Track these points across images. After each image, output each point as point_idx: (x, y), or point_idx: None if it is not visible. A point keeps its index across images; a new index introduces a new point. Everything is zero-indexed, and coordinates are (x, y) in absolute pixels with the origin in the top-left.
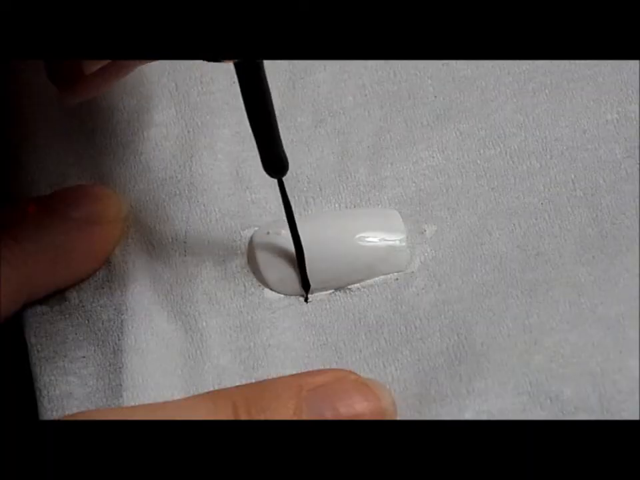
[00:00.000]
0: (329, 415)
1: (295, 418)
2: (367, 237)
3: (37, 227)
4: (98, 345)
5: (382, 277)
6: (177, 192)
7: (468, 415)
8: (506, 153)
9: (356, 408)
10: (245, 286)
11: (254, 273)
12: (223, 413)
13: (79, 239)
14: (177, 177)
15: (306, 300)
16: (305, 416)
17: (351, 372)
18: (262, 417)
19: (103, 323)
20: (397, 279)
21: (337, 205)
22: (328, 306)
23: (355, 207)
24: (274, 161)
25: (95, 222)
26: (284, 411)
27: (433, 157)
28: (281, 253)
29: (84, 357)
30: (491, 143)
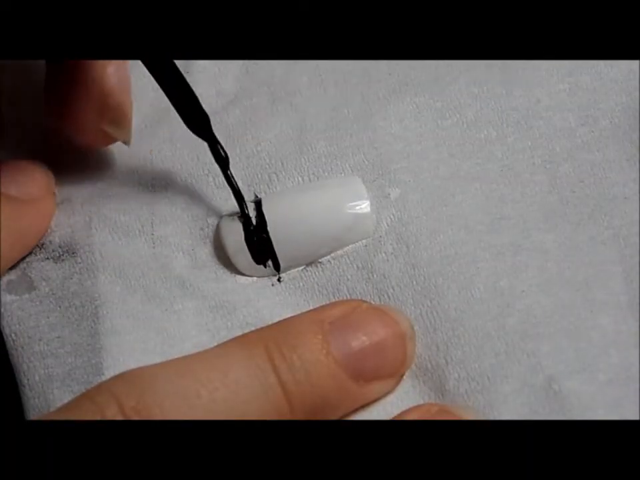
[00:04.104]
0: (356, 345)
1: (324, 352)
2: (332, 209)
3: None
4: (73, 328)
5: (351, 245)
6: (140, 185)
7: (449, 386)
8: (463, 123)
9: (379, 334)
10: (216, 274)
11: (223, 259)
12: (258, 357)
13: (22, 216)
14: (137, 170)
15: (279, 280)
16: (333, 349)
17: (361, 300)
18: (294, 356)
19: (76, 309)
20: (366, 246)
21: (299, 178)
22: (301, 283)
23: (317, 178)
24: (197, 116)
25: (31, 198)
26: (313, 346)
27: (391, 126)
28: None
29: (59, 337)
30: (447, 113)
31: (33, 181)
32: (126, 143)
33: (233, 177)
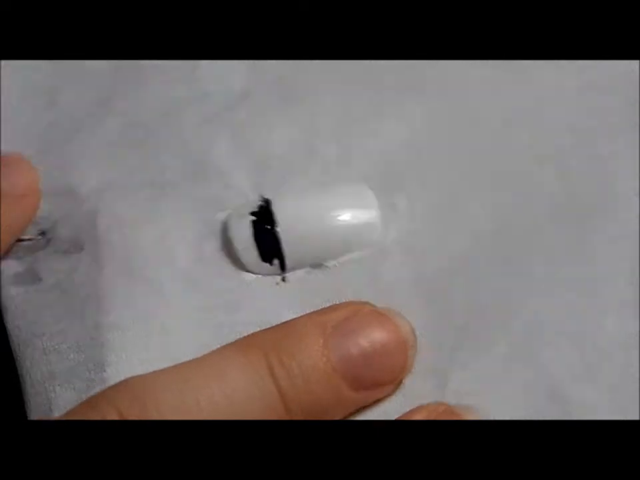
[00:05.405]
0: (355, 351)
1: (324, 360)
2: (341, 214)
3: None
4: (76, 318)
5: (357, 251)
6: (147, 181)
7: (452, 385)
8: (472, 125)
9: (380, 340)
10: (221, 270)
11: (229, 256)
12: (256, 364)
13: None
14: (145, 164)
15: (283, 279)
16: (333, 354)
17: (366, 302)
18: (294, 363)
19: (80, 300)
20: (373, 252)
21: (308, 183)
22: (305, 284)
23: (325, 183)
24: None
25: (12, 191)
26: (313, 352)
27: (400, 131)
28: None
29: (62, 330)
30: (457, 115)
31: (18, 175)
32: None
33: None
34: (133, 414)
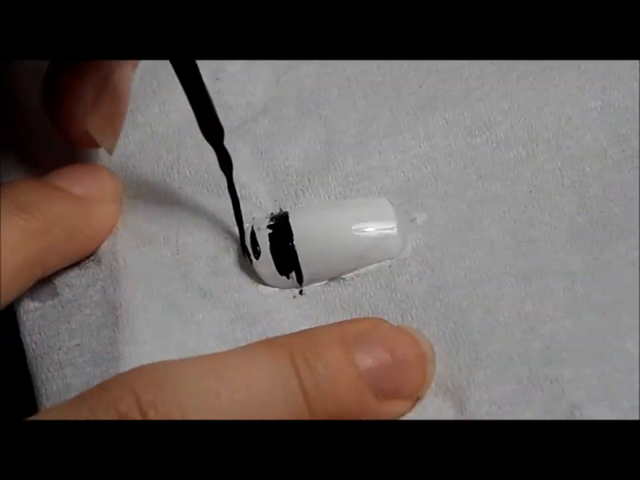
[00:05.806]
0: (376, 361)
1: (348, 364)
2: (359, 227)
3: (48, 200)
4: (92, 335)
5: (375, 265)
6: (166, 193)
7: (470, 406)
8: (492, 141)
9: (401, 352)
10: (238, 281)
11: (246, 269)
12: (282, 363)
13: (82, 215)
14: (165, 180)
15: (300, 292)
16: (357, 361)
17: (383, 320)
18: (319, 365)
19: (97, 317)
20: (390, 266)
21: (326, 197)
22: (323, 297)
23: (344, 197)
24: (213, 124)
25: (95, 199)
26: (337, 356)
27: (420, 146)
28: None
29: (78, 345)
30: (477, 131)
31: (98, 183)
32: (109, 152)
33: (234, 187)
34: (147, 398)
